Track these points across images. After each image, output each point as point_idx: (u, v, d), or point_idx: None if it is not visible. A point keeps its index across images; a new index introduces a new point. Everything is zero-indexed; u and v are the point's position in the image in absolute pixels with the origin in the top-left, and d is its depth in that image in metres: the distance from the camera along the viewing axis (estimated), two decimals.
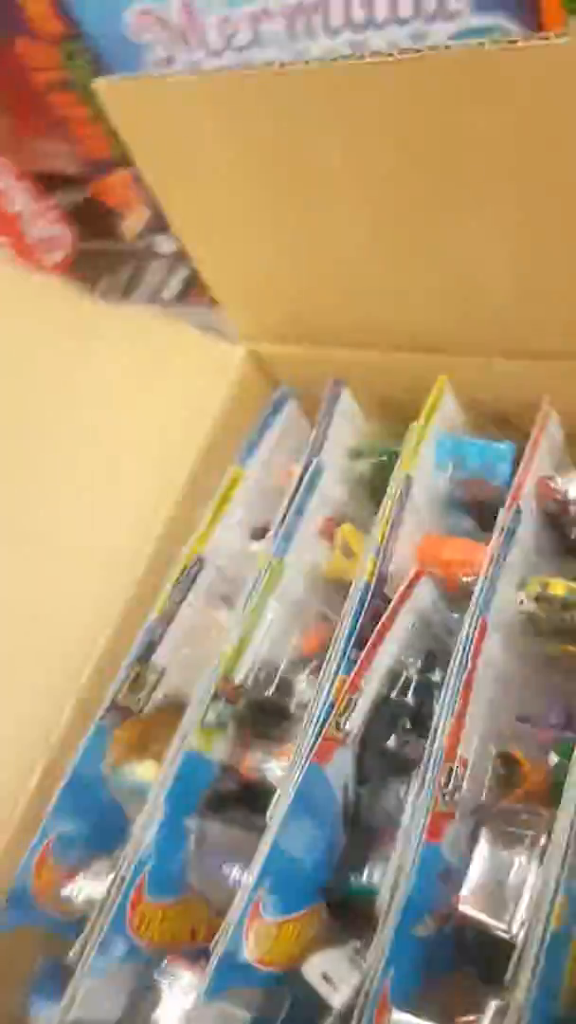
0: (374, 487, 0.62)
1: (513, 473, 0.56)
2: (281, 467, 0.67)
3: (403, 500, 0.56)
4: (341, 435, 0.64)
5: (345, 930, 0.50)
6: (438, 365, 0.59)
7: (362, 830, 0.53)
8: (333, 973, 0.47)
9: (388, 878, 0.46)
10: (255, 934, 0.47)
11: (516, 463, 0.57)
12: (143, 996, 0.49)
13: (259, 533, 0.64)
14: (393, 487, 0.56)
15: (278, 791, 0.49)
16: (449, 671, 0.49)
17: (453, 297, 0.56)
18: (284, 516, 0.58)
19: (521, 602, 0.54)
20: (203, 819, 0.54)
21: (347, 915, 0.51)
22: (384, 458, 0.61)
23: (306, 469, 0.60)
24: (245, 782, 0.55)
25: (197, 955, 0.50)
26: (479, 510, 0.60)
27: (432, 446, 0.59)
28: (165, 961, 0.50)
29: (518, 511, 0.53)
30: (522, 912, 0.43)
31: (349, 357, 0.63)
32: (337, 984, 0.47)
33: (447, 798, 0.47)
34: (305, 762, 0.49)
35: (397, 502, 0.55)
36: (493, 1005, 0.41)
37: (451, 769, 0.48)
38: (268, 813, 0.48)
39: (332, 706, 0.50)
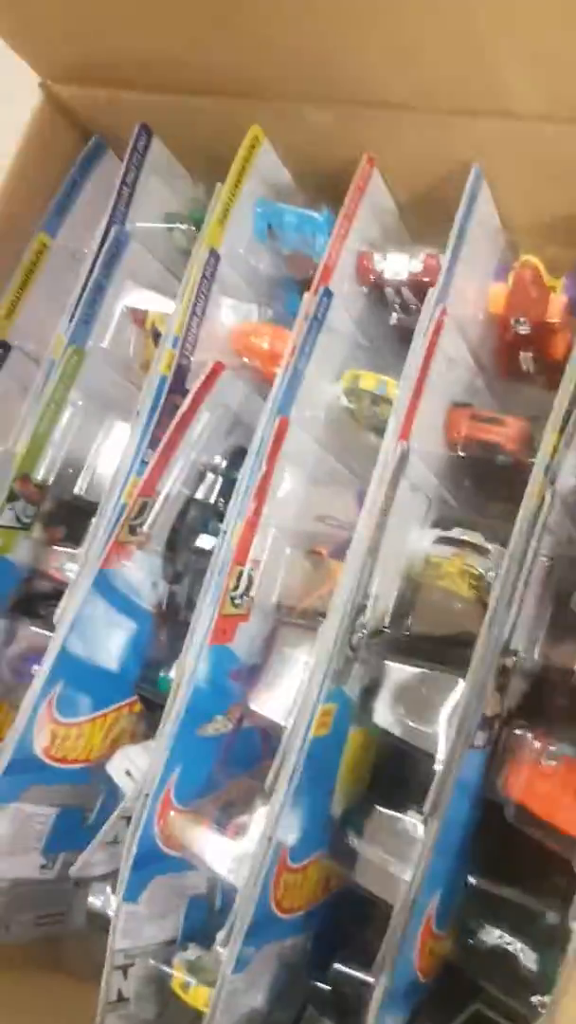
0: None
1: None
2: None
3: (208, 281, 0.50)
4: (155, 197, 0.56)
5: (155, 726, 0.51)
6: (249, 113, 0.51)
7: (179, 627, 0.53)
8: (135, 769, 0.48)
9: (173, 679, 0.46)
10: (50, 734, 0.47)
11: None
12: None
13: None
14: (194, 266, 0.50)
15: (67, 591, 0.48)
16: (241, 474, 0.46)
17: (254, 32, 0.46)
18: (80, 296, 0.52)
19: (337, 397, 0.50)
20: (11, 620, 0.53)
21: (158, 710, 0.52)
22: (198, 229, 0.54)
23: (104, 239, 0.53)
24: (57, 583, 0.53)
25: None
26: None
27: (249, 212, 0.52)
28: None
29: (327, 294, 0.48)
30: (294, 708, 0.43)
31: (159, 102, 0.54)
32: (138, 779, 0.48)
33: (237, 601, 0.46)
34: (94, 564, 0.47)
35: (199, 284, 0.49)
36: (260, 807, 0.42)
37: (240, 572, 0.46)
38: (56, 615, 0.47)
39: (124, 508, 0.48)
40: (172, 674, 0.51)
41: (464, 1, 0.40)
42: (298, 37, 0.45)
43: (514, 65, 0.43)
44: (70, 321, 0.51)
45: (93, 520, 0.49)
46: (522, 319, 0.48)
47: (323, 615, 0.48)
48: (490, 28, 0.41)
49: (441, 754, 0.39)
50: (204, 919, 0.50)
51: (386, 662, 0.43)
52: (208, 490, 0.51)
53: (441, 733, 0.40)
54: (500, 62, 0.43)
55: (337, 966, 0.43)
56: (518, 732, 0.41)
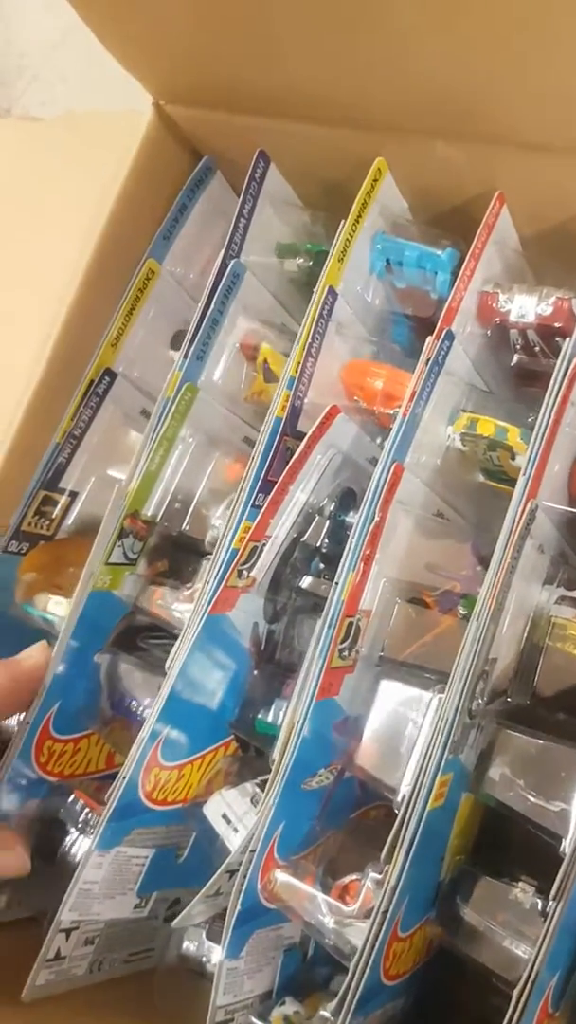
0: (309, 292, 0.54)
1: (454, 286, 0.48)
2: (208, 256, 0.59)
3: (325, 320, 0.49)
4: (268, 226, 0.54)
5: (249, 766, 0.50)
6: (370, 143, 0.49)
7: (274, 667, 0.52)
8: (232, 814, 0.47)
9: (280, 734, 0.45)
10: (154, 779, 0.47)
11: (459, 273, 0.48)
12: (51, 829, 0.50)
13: (181, 340, 0.57)
14: (313, 304, 0.48)
15: (178, 640, 0.47)
16: (354, 524, 0.45)
17: (392, 65, 0.44)
18: (196, 331, 0.51)
19: (449, 438, 0.49)
20: (113, 655, 0.53)
21: (252, 752, 0.51)
22: (313, 262, 0.53)
23: (221, 273, 0.52)
24: (156, 618, 0.53)
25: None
26: (421, 326, 0.52)
27: (366, 246, 0.51)
28: (72, 796, 0.51)
29: (448, 337, 0.46)
30: (409, 779, 0.42)
31: (275, 128, 0.52)
32: (236, 825, 0.47)
33: (344, 653, 0.45)
34: (204, 611, 0.46)
35: (316, 323, 0.48)
36: (371, 875, 0.41)
37: (350, 624, 0.45)
38: (167, 663, 0.47)
39: (235, 554, 0.47)
40: (269, 717, 0.51)
41: None
42: (447, 75, 0.43)
43: None
44: (184, 358, 0.50)
45: (204, 564, 0.48)
46: None
47: (424, 668, 0.47)
48: None
49: (569, 836, 0.38)
50: (298, 969, 0.50)
51: (506, 730, 0.42)
52: (315, 533, 0.50)
53: (572, 813, 0.38)
54: None
55: None
56: None
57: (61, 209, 0.56)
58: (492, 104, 0.44)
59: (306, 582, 0.50)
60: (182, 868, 0.53)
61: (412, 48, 0.42)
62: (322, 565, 0.50)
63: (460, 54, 0.43)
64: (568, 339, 0.43)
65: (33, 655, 0.48)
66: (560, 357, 0.43)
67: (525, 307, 0.47)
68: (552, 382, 0.42)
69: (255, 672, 0.52)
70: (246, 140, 0.54)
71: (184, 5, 0.47)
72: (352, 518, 0.49)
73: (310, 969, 0.50)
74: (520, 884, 0.42)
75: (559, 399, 0.42)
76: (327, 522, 0.50)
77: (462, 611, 0.47)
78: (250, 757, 0.51)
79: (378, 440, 0.51)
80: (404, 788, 0.41)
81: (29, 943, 0.46)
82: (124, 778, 0.45)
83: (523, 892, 0.42)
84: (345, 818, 0.49)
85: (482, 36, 0.41)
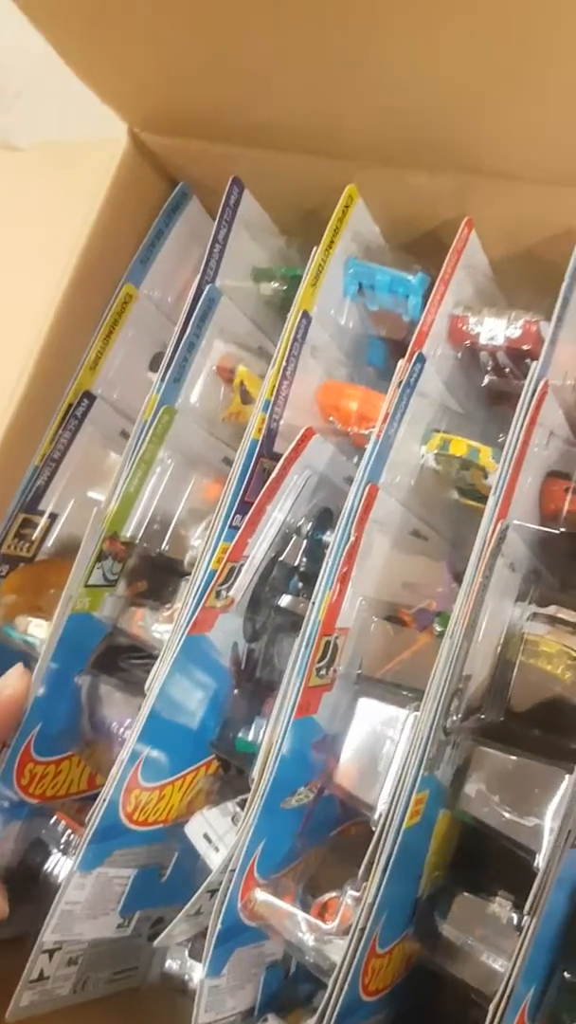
0: (285, 315, 0.54)
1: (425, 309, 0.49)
2: (186, 280, 0.60)
3: (299, 343, 0.49)
4: (243, 251, 0.55)
5: (230, 785, 0.51)
6: (343, 170, 0.50)
7: (254, 685, 0.52)
8: (213, 833, 0.48)
9: (259, 754, 0.45)
10: (135, 800, 0.47)
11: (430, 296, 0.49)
12: (33, 850, 0.51)
13: (160, 362, 0.58)
14: (287, 328, 0.49)
15: (157, 661, 0.48)
16: (330, 545, 0.45)
17: (366, 97, 0.45)
18: (173, 354, 0.52)
19: (423, 457, 0.49)
20: (93, 676, 0.53)
21: (233, 770, 0.51)
22: (288, 286, 0.53)
23: (197, 298, 0.52)
24: (137, 639, 0.53)
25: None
26: (395, 348, 0.53)
27: (339, 270, 0.52)
28: (54, 818, 0.51)
29: (420, 360, 0.47)
30: (386, 796, 0.43)
31: (248, 155, 0.53)
32: (217, 844, 0.47)
33: (322, 672, 0.46)
34: (183, 632, 0.47)
35: (291, 346, 0.49)
36: (349, 892, 0.41)
37: (327, 642, 0.46)
38: (146, 684, 0.47)
39: (213, 575, 0.47)
40: (249, 736, 0.51)
41: None
42: (423, 109, 0.44)
43: None
44: (162, 381, 0.51)
45: (184, 584, 0.48)
46: None
47: (400, 685, 0.47)
48: None
49: (542, 851, 0.38)
50: (280, 986, 0.50)
51: (480, 747, 0.42)
52: (293, 552, 0.51)
53: (545, 829, 0.39)
54: None
55: None
56: None
57: (39, 235, 0.57)
58: (467, 137, 0.45)
59: (285, 601, 0.51)
60: (165, 887, 0.53)
61: (390, 82, 0.43)
62: (300, 584, 0.51)
63: (437, 88, 0.44)
64: (536, 361, 0.44)
65: (9, 683, 0.48)
66: (528, 379, 0.43)
67: (495, 330, 0.48)
68: (520, 404, 0.43)
69: (235, 691, 0.52)
70: (222, 167, 0.55)
71: (157, 37, 0.48)
72: (329, 537, 0.50)
73: (292, 986, 0.51)
74: (497, 899, 0.43)
75: (527, 420, 0.43)
76: (304, 541, 0.51)
77: (438, 628, 0.48)
78: (231, 776, 0.51)
79: (354, 459, 0.52)
80: (381, 806, 0.42)
81: (12, 964, 0.47)
82: (105, 800, 0.45)
83: (500, 907, 0.43)
84: (325, 835, 0.50)
85: (460, 71, 0.42)
